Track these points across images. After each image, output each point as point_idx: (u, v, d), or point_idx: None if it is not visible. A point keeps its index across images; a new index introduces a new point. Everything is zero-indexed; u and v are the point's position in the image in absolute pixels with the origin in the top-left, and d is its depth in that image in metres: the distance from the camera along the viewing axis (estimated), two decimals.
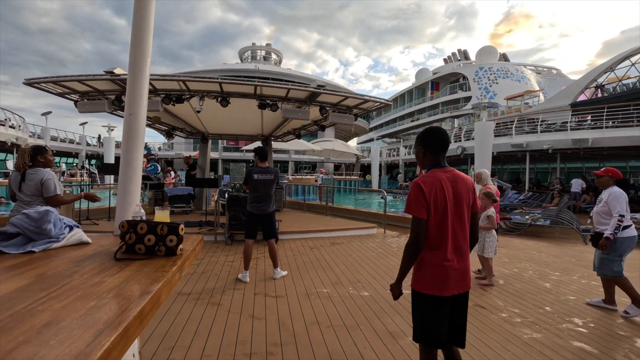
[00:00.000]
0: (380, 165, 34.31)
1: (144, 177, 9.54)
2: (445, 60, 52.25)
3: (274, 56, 49.46)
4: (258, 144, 13.26)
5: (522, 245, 6.77)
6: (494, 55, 41.47)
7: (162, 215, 1.71)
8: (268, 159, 4.18)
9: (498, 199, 4.73)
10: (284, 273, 4.40)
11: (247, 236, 4.19)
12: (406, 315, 3.24)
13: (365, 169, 31.49)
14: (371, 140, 56.53)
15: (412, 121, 47.76)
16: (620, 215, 3.34)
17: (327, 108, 7.40)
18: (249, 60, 47.72)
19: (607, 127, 12.14)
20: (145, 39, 2.09)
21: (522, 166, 15.50)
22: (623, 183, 3.56)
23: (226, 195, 6.02)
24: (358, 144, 61.13)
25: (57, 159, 25.08)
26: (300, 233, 6.80)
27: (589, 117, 14.17)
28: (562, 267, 5.26)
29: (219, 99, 6.76)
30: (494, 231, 4.42)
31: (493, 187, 4.84)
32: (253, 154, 4.33)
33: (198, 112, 6.77)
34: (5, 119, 18.90)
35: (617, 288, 3.59)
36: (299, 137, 9.70)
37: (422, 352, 1.81)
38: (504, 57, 46.03)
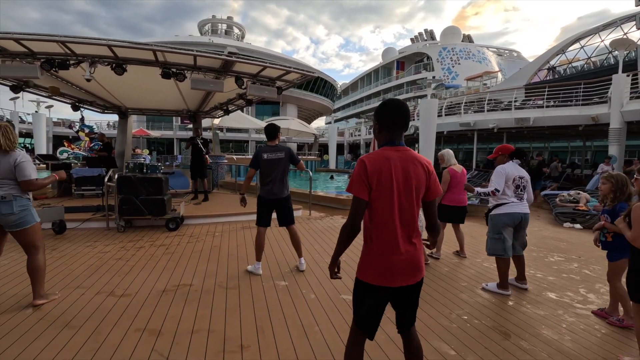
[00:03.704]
0: (343, 145, 34.06)
1: (48, 157, 8.42)
2: (412, 39, 51.89)
3: (236, 30, 46.88)
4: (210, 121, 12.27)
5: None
6: (458, 35, 41.59)
7: None
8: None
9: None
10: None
11: (259, 223, 3.73)
12: (246, 316, 2.77)
13: (327, 148, 31.02)
14: (338, 119, 56.00)
15: (378, 101, 47.57)
16: (495, 190, 3.27)
17: (245, 79, 6.68)
18: (209, 34, 45.00)
19: (547, 107, 12.23)
20: None
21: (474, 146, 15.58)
22: (517, 154, 3.46)
23: (116, 176, 5.26)
24: (326, 124, 60.45)
25: None
26: (209, 217, 6.20)
27: (534, 98, 14.31)
28: (473, 249, 5.06)
29: (113, 65, 5.88)
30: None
31: (458, 167, 4.48)
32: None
33: (88, 80, 5.84)
34: None
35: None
36: (227, 112, 8.90)
37: (351, 332, 1.68)
38: (469, 39, 46.30)
